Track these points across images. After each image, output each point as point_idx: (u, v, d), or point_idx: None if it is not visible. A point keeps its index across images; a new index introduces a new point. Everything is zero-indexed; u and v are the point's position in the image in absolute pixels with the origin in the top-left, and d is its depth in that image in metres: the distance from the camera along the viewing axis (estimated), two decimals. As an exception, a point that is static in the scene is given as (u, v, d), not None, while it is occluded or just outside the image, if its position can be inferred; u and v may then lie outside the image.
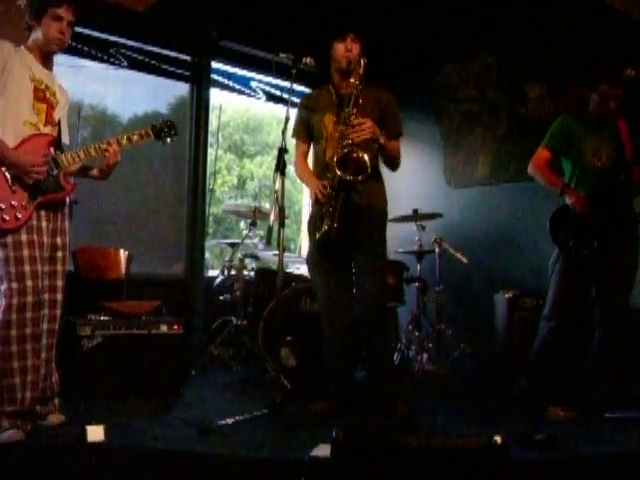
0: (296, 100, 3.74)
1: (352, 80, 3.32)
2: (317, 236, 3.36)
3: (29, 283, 2.79)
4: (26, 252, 2.80)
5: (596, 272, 3.51)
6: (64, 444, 2.69)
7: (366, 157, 3.20)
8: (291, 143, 3.55)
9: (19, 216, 2.79)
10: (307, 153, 3.63)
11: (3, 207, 2.76)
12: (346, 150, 3.23)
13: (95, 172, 3.15)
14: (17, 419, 2.75)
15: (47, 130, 2.95)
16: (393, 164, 3.53)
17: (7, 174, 2.79)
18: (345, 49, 3.38)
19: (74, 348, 3.57)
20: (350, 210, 3.29)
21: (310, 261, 3.60)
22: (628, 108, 3.59)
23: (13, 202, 2.78)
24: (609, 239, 3.44)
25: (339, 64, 3.42)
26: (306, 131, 3.56)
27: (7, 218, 2.76)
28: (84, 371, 3.59)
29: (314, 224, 3.45)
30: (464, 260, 4.82)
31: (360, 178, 3.23)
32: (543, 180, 3.66)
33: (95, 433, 2.63)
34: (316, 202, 3.38)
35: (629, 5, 4.56)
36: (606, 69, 3.56)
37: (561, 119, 3.69)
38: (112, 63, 5.00)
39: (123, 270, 4.44)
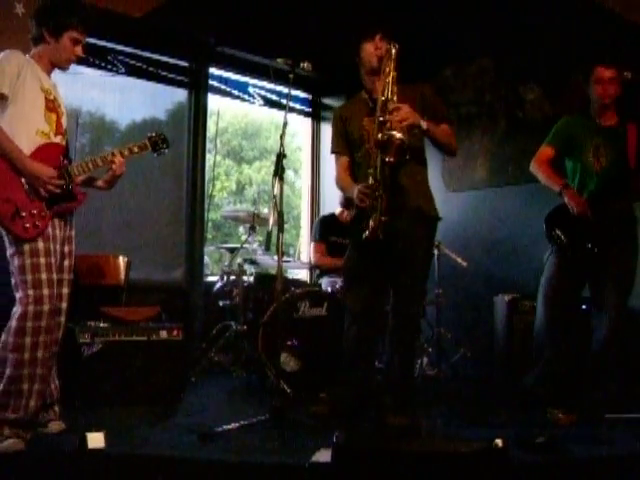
0: (294, 105, 3.73)
1: (386, 69, 3.22)
2: (364, 235, 3.16)
3: (46, 292, 2.80)
4: (42, 260, 2.81)
5: (590, 273, 3.51)
6: (65, 451, 2.69)
7: (399, 136, 3.03)
8: (289, 148, 3.54)
9: (38, 224, 2.81)
10: (349, 165, 3.48)
11: (24, 215, 2.78)
12: (385, 136, 3.08)
13: (100, 183, 3.16)
14: (19, 428, 2.74)
15: (57, 140, 2.98)
16: (447, 149, 3.43)
17: (25, 183, 2.81)
18: (375, 48, 3.29)
19: (74, 355, 3.56)
20: (397, 200, 3.16)
21: (346, 268, 3.50)
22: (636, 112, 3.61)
23: (33, 211, 2.80)
24: (605, 241, 3.44)
25: (370, 64, 3.33)
26: (345, 142, 3.46)
27: (28, 226, 2.78)
28: (84, 378, 3.58)
29: (357, 228, 3.28)
30: (463, 263, 4.83)
31: (402, 159, 3.09)
32: (543, 177, 3.65)
33: (95, 440, 2.62)
34: (361, 203, 3.19)
35: (625, 7, 4.57)
36: (597, 53, 3.58)
37: (564, 120, 3.70)
38: (110, 70, 5.01)
39: (122, 276, 4.43)
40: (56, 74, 3.08)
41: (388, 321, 3.37)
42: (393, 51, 3.22)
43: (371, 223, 3.13)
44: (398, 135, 3.04)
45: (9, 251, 2.83)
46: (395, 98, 3.18)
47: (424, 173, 3.46)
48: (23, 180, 2.81)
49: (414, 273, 3.31)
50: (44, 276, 2.81)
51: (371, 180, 3.16)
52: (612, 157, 3.52)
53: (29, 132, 2.85)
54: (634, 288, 3.53)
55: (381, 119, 3.14)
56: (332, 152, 3.50)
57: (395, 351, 3.35)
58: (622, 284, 3.48)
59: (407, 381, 3.38)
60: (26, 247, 2.79)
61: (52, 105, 2.97)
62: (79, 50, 3.00)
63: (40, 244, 2.82)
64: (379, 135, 3.10)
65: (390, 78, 3.21)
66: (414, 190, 3.33)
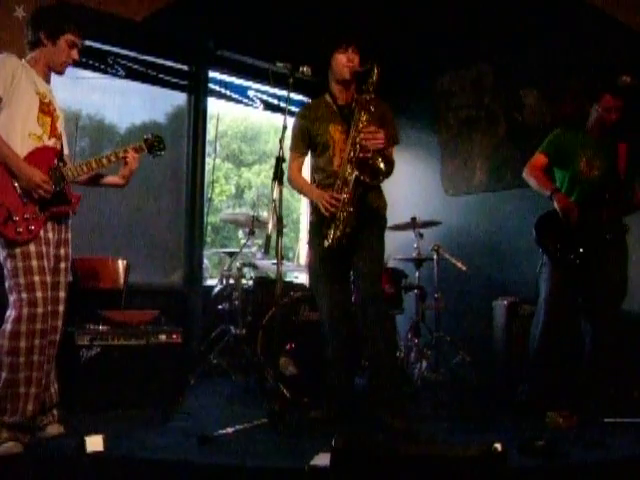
0: (293, 109, 3.74)
1: (365, 87, 3.33)
2: (326, 243, 3.31)
3: (39, 294, 2.80)
4: (35, 263, 2.81)
5: (582, 281, 3.52)
6: (63, 455, 2.69)
7: (382, 164, 3.19)
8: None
9: (32, 228, 2.82)
10: (302, 166, 3.61)
11: (16, 219, 2.78)
12: (362, 155, 3.22)
13: (117, 179, 3.20)
14: (17, 431, 2.74)
15: (51, 143, 2.98)
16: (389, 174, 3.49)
17: (18, 187, 2.81)
18: (347, 60, 3.38)
19: (72, 358, 3.56)
20: (363, 214, 3.29)
21: (312, 270, 3.59)
22: (628, 124, 3.63)
23: (26, 215, 2.81)
24: (595, 248, 3.45)
25: (341, 75, 3.41)
26: (306, 143, 3.53)
27: (21, 230, 2.78)
28: (83, 381, 3.58)
29: (318, 232, 3.41)
30: (462, 267, 4.82)
31: (376, 182, 3.26)
32: (535, 183, 3.70)
33: (94, 443, 2.62)
34: (326, 212, 3.30)
35: (624, 12, 4.58)
36: (608, 79, 3.60)
37: (558, 131, 3.74)
38: (110, 73, 5.01)
39: (122, 279, 4.43)
40: (56, 77, 3.09)
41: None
42: (376, 71, 3.30)
43: (337, 233, 3.26)
44: (380, 162, 3.19)
45: (1, 254, 2.84)
46: (367, 119, 3.30)
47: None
48: (16, 184, 2.81)
49: (374, 260, 3.40)
50: (37, 279, 2.81)
51: (345, 194, 3.25)
52: (604, 168, 3.56)
53: (22, 135, 2.85)
54: (629, 293, 3.54)
55: (357, 139, 3.26)
56: (292, 150, 3.53)
57: (369, 345, 3.37)
58: (612, 295, 3.48)
59: (388, 375, 3.37)
60: (17, 250, 2.80)
61: (47, 109, 2.97)
62: (75, 54, 3.01)
63: (32, 247, 2.82)
64: (354, 153, 3.24)
65: (370, 98, 3.32)
66: (373, 198, 3.43)
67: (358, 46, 3.40)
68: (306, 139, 3.52)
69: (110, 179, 3.23)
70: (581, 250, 3.47)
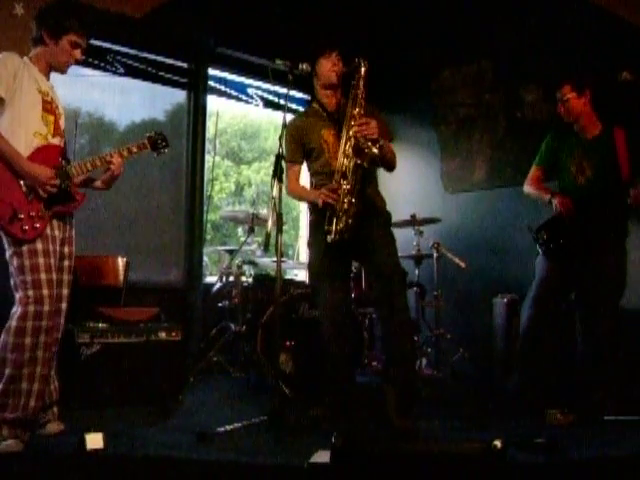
0: (293, 106, 3.74)
1: (355, 82, 3.36)
2: (329, 238, 3.29)
3: (45, 292, 2.81)
4: (41, 260, 2.82)
5: (576, 277, 3.53)
6: (63, 452, 2.69)
7: (375, 150, 3.21)
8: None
9: (37, 226, 2.82)
10: (299, 174, 3.63)
11: (22, 217, 2.78)
12: (360, 142, 3.24)
13: (99, 183, 3.17)
14: (17, 428, 2.75)
15: (55, 141, 2.98)
16: (391, 166, 3.54)
17: (23, 185, 2.82)
18: (332, 64, 3.44)
19: (73, 355, 3.56)
20: (364, 205, 3.29)
21: (312, 267, 3.58)
22: (628, 117, 3.63)
23: (31, 213, 2.81)
24: (588, 246, 3.46)
25: (328, 80, 3.46)
26: (300, 152, 3.55)
27: (26, 228, 2.79)
28: (83, 378, 3.58)
29: (318, 230, 3.40)
30: (462, 265, 4.83)
31: (374, 166, 3.29)
32: (534, 194, 3.77)
33: (94, 441, 2.63)
34: (324, 205, 3.30)
35: (625, 9, 4.58)
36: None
37: (548, 138, 3.78)
38: (109, 71, 5.01)
39: (121, 277, 4.43)
40: (55, 74, 3.08)
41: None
42: (363, 69, 3.35)
43: (340, 225, 3.25)
44: (373, 149, 3.20)
45: (8, 252, 2.84)
46: (359, 111, 3.34)
47: (376, 181, 3.62)
48: (21, 182, 2.81)
49: (386, 243, 3.41)
50: (43, 276, 2.81)
51: (345, 185, 3.26)
52: (596, 169, 3.54)
53: (27, 134, 2.85)
54: (632, 289, 3.54)
55: (351, 132, 3.29)
56: (289, 161, 3.51)
57: (392, 337, 3.33)
58: (608, 295, 3.49)
59: (411, 369, 3.38)
60: (24, 248, 2.80)
61: (50, 107, 2.97)
62: (78, 54, 3.00)
63: (38, 245, 2.82)
64: (358, 142, 3.25)
65: (360, 92, 3.35)
66: (371, 192, 3.47)
67: (341, 51, 3.46)
68: (300, 148, 3.54)
69: (97, 183, 3.19)
70: (561, 241, 3.50)
